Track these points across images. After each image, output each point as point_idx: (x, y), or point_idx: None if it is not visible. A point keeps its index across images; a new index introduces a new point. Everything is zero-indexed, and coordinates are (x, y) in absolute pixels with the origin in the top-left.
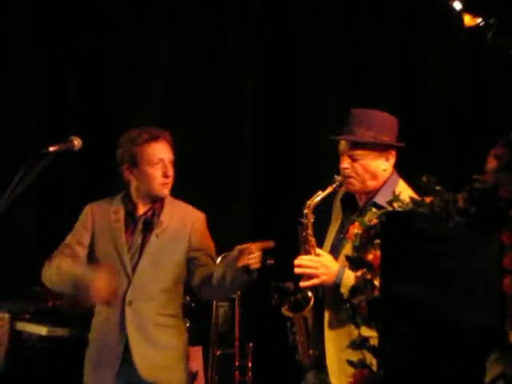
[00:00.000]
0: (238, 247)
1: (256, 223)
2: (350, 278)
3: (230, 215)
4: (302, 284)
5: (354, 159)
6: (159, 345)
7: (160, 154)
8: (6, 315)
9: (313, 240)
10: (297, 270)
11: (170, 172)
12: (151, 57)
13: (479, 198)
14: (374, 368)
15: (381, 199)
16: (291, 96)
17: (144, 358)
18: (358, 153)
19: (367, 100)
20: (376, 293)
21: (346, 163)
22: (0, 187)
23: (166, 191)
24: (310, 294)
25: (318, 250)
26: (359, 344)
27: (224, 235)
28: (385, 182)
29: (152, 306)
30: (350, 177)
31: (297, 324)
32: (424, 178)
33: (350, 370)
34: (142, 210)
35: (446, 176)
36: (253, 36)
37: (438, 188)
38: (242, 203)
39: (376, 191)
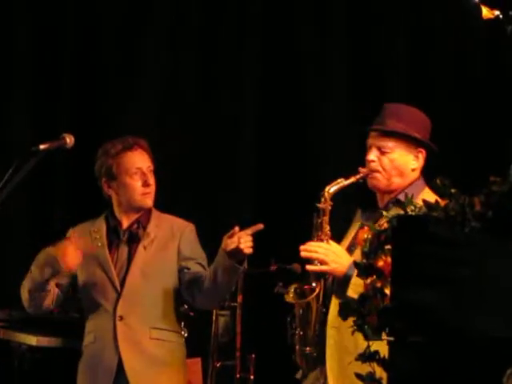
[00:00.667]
0: (224, 237)
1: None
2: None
3: (232, 216)
4: (309, 267)
5: (382, 152)
6: (154, 359)
7: (137, 163)
8: None
9: (327, 228)
10: (303, 254)
11: (151, 180)
12: (147, 54)
13: (497, 201)
14: (384, 382)
15: (404, 197)
16: (294, 94)
17: (137, 373)
18: (387, 144)
19: (374, 97)
20: (386, 301)
21: (373, 155)
22: None
23: (148, 201)
24: (315, 285)
25: (330, 241)
26: (368, 356)
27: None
28: (410, 184)
29: (145, 319)
30: (375, 171)
31: (297, 315)
32: (438, 181)
33: (351, 371)
34: (126, 224)
35: (462, 178)
36: (254, 32)
37: (452, 191)
38: (244, 204)
39: (399, 192)
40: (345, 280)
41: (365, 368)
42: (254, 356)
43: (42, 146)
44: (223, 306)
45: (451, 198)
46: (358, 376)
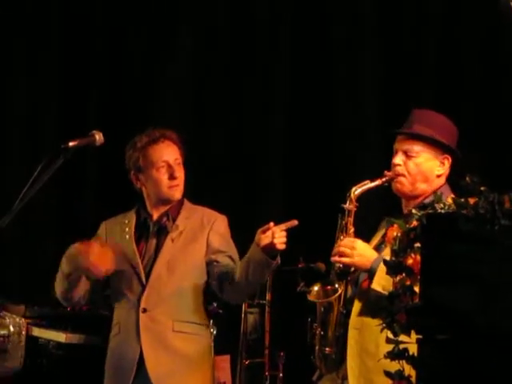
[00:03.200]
0: (258, 231)
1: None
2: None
3: (261, 214)
4: (333, 259)
5: (408, 156)
6: (176, 352)
7: (163, 155)
8: (23, 320)
9: (352, 229)
10: (332, 259)
11: (177, 173)
12: (176, 50)
13: None
14: (413, 380)
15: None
16: (324, 93)
17: (157, 365)
18: (413, 148)
19: (402, 97)
20: (416, 299)
21: (398, 159)
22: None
23: (175, 194)
24: (337, 286)
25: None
26: (397, 354)
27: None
28: (435, 190)
29: (169, 312)
30: (400, 174)
31: (318, 315)
32: (467, 178)
33: (371, 372)
34: (156, 216)
35: (492, 176)
36: (284, 28)
37: (482, 188)
38: (274, 203)
39: (424, 198)
40: (369, 274)
41: (389, 366)
42: (282, 353)
43: (71, 144)
44: (252, 304)
45: (480, 196)
46: (388, 374)
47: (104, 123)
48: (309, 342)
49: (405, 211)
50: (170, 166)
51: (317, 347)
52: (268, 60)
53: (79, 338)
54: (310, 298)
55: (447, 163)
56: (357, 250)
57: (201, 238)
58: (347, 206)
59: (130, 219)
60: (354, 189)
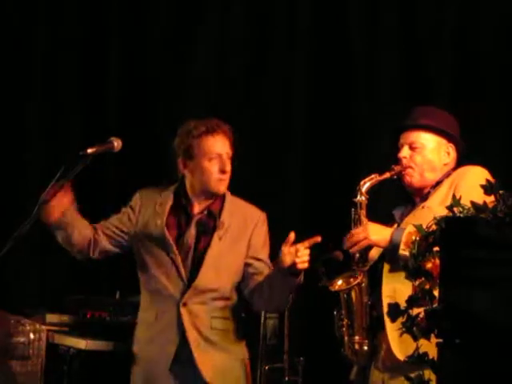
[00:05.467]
0: (283, 247)
1: (308, 218)
2: (411, 234)
3: (281, 208)
4: (351, 250)
5: (413, 148)
6: (219, 347)
7: (217, 148)
8: (43, 327)
9: (365, 221)
10: (345, 246)
11: (228, 167)
12: (195, 50)
13: None
14: None
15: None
16: (343, 93)
17: (207, 359)
18: (418, 140)
19: (425, 92)
20: (435, 303)
21: (404, 152)
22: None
23: (222, 187)
24: (358, 272)
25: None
26: (417, 358)
27: (275, 232)
28: (443, 177)
29: (208, 309)
30: (408, 167)
31: (343, 304)
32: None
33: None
34: (197, 208)
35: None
36: (304, 22)
37: (501, 192)
38: (294, 198)
39: (433, 186)
40: (392, 246)
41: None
42: (302, 359)
43: (89, 150)
44: None
45: (499, 200)
46: (408, 378)
47: (123, 126)
48: (337, 335)
49: (417, 202)
50: (221, 159)
51: (346, 338)
52: (286, 60)
53: (99, 345)
54: (332, 288)
55: (452, 152)
56: (370, 231)
57: (244, 237)
58: (358, 199)
59: (165, 200)
60: (362, 182)
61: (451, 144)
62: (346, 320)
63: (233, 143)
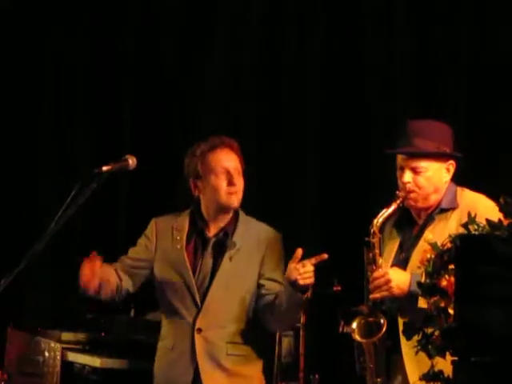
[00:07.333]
0: (289, 263)
1: (322, 241)
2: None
3: (296, 229)
4: (372, 296)
5: (416, 172)
6: (231, 373)
7: (222, 162)
8: (57, 345)
9: (380, 260)
10: (372, 296)
11: (236, 180)
12: (209, 65)
13: None
14: None
15: (445, 203)
16: (355, 94)
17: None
18: (421, 165)
19: (437, 103)
20: (450, 321)
21: (407, 177)
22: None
23: (233, 201)
24: (382, 320)
25: (384, 269)
26: (432, 376)
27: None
28: (445, 194)
29: (223, 334)
30: (412, 191)
31: (367, 351)
32: (501, 199)
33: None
34: (213, 230)
35: None
36: (317, 33)
37: None
38: (307, 221)
39: (437, 205)
40: (410, 295)
41: None
42: (317, 377)
43: (104, 168)
44: None
45: None
46: None
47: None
48: (359, 374)
49: (418, 221)
50: (229, 173)
51: (368, 377)
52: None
53: (114, 363)
54: (357, 338)
55: (452, 168)
56: (392, 282)
57: (256, 257)
58: (371, 239)
59: (182, 225)
60: (375, 221)
61: (451, 161)
62: (369, 365)
63: (240, 158)
